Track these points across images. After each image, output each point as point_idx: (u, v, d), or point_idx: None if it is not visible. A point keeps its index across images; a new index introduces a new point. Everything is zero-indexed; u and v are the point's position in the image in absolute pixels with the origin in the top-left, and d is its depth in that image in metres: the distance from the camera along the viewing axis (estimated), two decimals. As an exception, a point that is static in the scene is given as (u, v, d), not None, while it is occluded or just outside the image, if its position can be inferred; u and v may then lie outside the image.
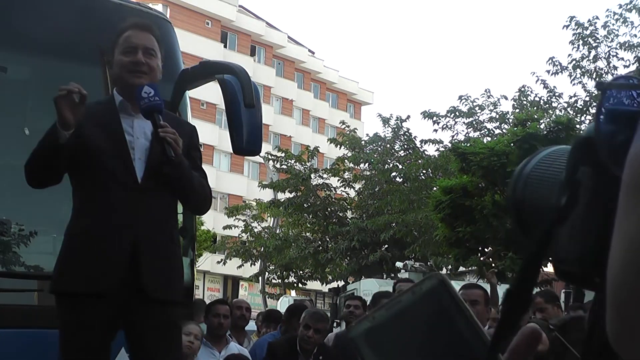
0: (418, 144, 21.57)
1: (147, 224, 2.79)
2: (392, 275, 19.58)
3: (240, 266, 25.50)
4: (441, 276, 1.10)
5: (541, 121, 13.45)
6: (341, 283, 22.70)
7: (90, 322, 2.71)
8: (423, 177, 20.23)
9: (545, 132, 12.70)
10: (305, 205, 22.09)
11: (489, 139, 17.54)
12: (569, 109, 16.88)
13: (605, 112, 0.79)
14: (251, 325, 9.56)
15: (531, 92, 18.91)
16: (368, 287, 16.13)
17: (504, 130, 18.40)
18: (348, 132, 23.89)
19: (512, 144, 12.75)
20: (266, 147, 23.57)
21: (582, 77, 16.31)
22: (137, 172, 2.82)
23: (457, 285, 12.13)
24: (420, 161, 20.47)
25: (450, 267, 19.79)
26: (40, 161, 2.75)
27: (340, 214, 22.72)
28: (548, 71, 16.83)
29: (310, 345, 4.90)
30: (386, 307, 1.12)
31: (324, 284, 24.66)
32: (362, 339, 1.10)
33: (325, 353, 4.98)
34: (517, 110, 18.40)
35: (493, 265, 13.10)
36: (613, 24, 16.16)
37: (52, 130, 2.69)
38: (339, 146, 23.29)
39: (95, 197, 2.80)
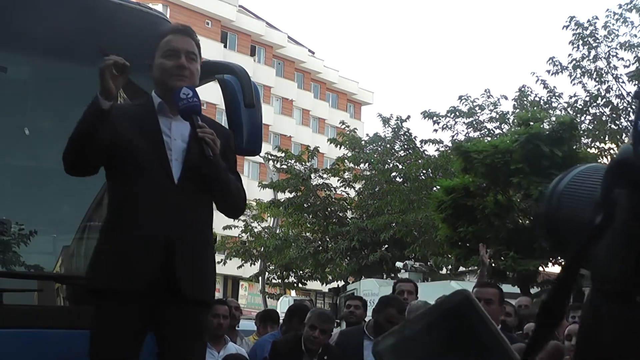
0: (418, 144, 21.57)
1: (182, 224, 2.80)
2: (392, 275, 19.59)
3: (240, 266, 25.49)
4: (467, 292, 1.11)
5: (544, 121, 13.42)
6: (341, 283, 22.70)
7: (123, 320, 2.72)
8: (423, 177, 20.22)
9: (548, 132, 12.68)
10: (305, 205, 22.09)
11: (489, 139, 17.53)
12: (569, 109, 16.86)
13: (636, 136, 0.81)
14: (251, 326, 9.54)
15: (531, 92, 18.90)
16: (368, 287, 16.14)
17: (504, 131, 18.39)
18: (348, 132, 23.89)
19: (515, 144, 12.74)
20: (266, 147, 23.56)
21: (582, 77, 16.28)
22: (173, 172, 2.84)
23: (457, 285, 12.05)
24: (420, 161, 20.47)
25: (450, 267, 19.79)
26: (82, 139, 2.73)
27: (340, 214, 22.72)
28: (548, 71, 16.82)
29: (316, 345, 4.89)
30: (412, 321, 1.12)
31: (324, 284, 24.65)
32: (388, 353, 1.11)
33: (330, 353, 4.97)
34: (518, 110, 18.39)
35: (494, 265, 13.09)
36: (613, 24, 16.15)
37: (93, 101, 2.72)
38: (339, 146, 23.29)
39: (131, 197, 2.82)
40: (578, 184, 1.01)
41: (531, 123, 12.90)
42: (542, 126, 12.85)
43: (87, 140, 2.73)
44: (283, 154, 22.52)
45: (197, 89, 4.15)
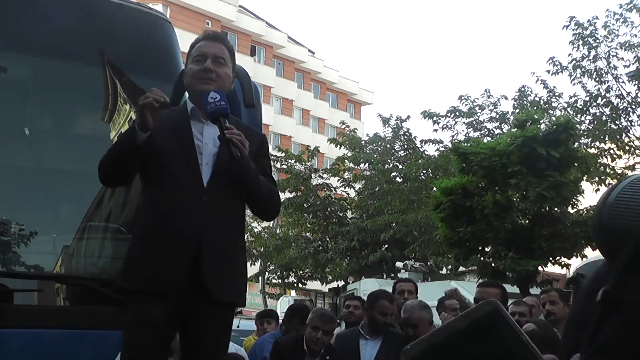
0: (418, 144, 21.56)
1: (211, 227, 2.83)
2: (392, 275, 19.58)
3: (240, 266, 25.47)
4: (496, 303, 1.12)
5: (541, 121, 13.40)
6: (341, 283, 22.69)
7: (153, 321, 2.76)
8: (423, 177, 20.21)
9: (544, 134, 12.68)
10: (305, 205, 22.07)
11: (489, 139, 17.52)
12: (569, 109, 16.84)
13: None
14: (251, 325, 9.55)
15: (531, 92, 18.89)
16: (368, 287, 16.12)
17: (504, 131, 18.37)
18: (348, 132, 23.89)
19: (512, 146, 12.73)
20: (266, 147, 23.45)
21: (582, 77, 16.27)
22: (203, 176, 2.88)
23: (457, 285, 12.04)
24: (420, 161, 20.45)
25: (450, 267, 19.78)
26: (116, 161, 2.88)
27: (340, 214, 22.71)
28: (548, 71, 16.79)
29: (319, 346, 4.88)
30: (442, 329, 1.13)
31: (324, 284, 24.64)
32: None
33: (332, 353, 4.96)
34: (517, 111, 18.37)
35: (493, 265, 13.09)
36: (613, 24, 16.14)
37: (129, 131, 2.83)
38: (339, 146, 23.28)
39: (163, 200, 2.87)
40: (630, 194, 1.04)
41: (528, 124, 12.88)
42: (539, 127, 12.83)
43: (121, 165, 2.87)
44: (283, 154, 22.51)
45: None
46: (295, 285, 26.09)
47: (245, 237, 19.06)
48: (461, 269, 19.17)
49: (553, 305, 5.36)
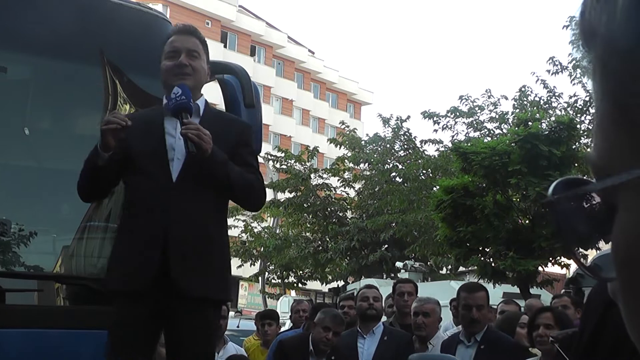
0: (418, 144, 21.57)
1: (179, 222, 2.83)
2: (392, 275, 19.58)
3: (240, 266, 25.44)
4: None
5: (542, 121, 13.42)
6: (341, 283, 22.69)
7: (129, 318, 2.79)
8: (423, 177, 20.22)
9: (546, 132, 12.68)
10: (305, 205, 22.07)
11: (489, 139, 17.52)
12: (569, 109, 16.85)
13: None
14: (251, 325, 9.54)
15: (531, 92, 18.90)
16: (368, 287, 16.10)
17: (504, 130, 18.37)
18: (348, 132, 23.89)
19: (513, 144, 12.74)
20: (266, 147, 23.56)
21: (582, 77, 16.27)
22: (173, 171, 2.88)
23: (456, 285, 12.08)
24: (420, 161, 20.46)
25: (450, 267, 19.78)
26: (85, 181, 2.95)
27: (340, 214, 22.71)
28: (548, 71, 16.81)
29: (328, 347, 4.85)
30: None
31: (324, 284, 24.63)
32: None
33: (337, 353, 4.94)
34: (518, 110, 18.37)
35: (494, 265, 13.09)
36: (613, 24, 16.14)
37: (93, 152, 2.87)
38: (338, 146, 23.29)
39: (133, 198, 2.92)
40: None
41: (530, 123, 12.90)
42: (540, 126, 12.85)
43: (93, 184, 2.94)
44: (283, 154, 22.51)
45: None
46: (295, 285, 26.07)
47: (245, 236, 18.89)
48: (461, 269, 19.15)
49: (565, 310, 5.34)
